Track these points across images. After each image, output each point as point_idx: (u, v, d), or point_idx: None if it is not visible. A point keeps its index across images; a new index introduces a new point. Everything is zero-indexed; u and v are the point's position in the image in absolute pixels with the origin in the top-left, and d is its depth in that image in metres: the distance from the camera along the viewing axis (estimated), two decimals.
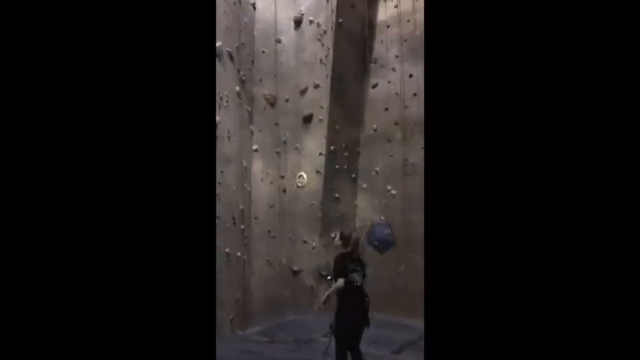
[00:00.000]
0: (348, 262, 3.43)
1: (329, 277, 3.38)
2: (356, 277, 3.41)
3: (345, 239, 3.60)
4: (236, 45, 7.06)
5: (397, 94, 7.33)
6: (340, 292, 3.39)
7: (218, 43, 6.36)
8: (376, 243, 6.24)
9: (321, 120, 7.66)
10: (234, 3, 7.12)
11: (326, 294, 3.61)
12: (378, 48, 7.90)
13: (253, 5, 7.80)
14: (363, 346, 3.58)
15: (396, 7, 7.61)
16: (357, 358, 3.41)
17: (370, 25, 7.83)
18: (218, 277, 5.83)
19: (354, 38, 7.76)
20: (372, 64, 7.89)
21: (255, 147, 7.67)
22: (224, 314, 5.95)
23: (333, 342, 3.47)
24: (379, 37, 7.90)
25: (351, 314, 3.37)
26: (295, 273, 7.46)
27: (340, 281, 3.37)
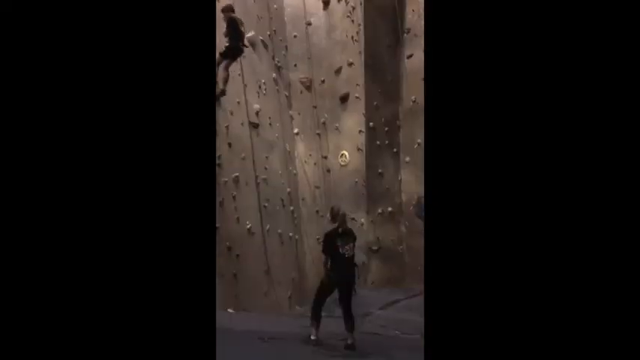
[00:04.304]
0: (337, 236, 3.68)
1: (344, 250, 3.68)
2: (347, 249, 3.65)
3: (333, 215, 3.83)
4: (268, 33, 7.18)
5: None
6: (333, 262, 3.65)
7: (251, 33, 6.52)
8: (423, 215, 6.23)
9: (357, 98, 7.64)
10: None
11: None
12: (410, 17, 7.69)
13: None
14: None
15: None
16: (348, 317, 3.67)
17: None
18: (273, 258, 6.12)
19: (384, 10, 7.61)
20: (405, 35, 7.71)
21: (296, 130, 7.82)
22: (282, 293, 6.25)
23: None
24: (410, 6, 7.68)
25: (341, 280, 3.67)
26: None
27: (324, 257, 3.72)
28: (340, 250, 3.64)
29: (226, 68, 5.35)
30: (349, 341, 3.62)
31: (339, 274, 3.66)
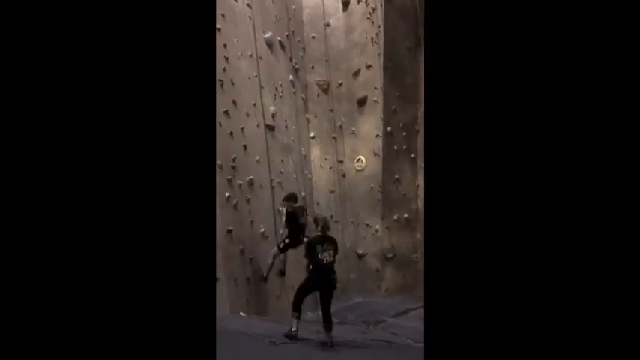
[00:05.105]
0: (317, 243, 3.90)
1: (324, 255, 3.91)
2: (327, 255, 3.87)
3: (316, 222, 4.09)
4: (286, 33, 7.12)
5: None
6: (313, 268, 3.88)
7: (269, 34, 6.47)
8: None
9: (375, 101, 7.52)
10: None
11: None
12: None
13: None
14: None
15: None
16: (327, 319, 3.88)
17: None
18: (286, 261, 6.05)
19: (405, 12, 7.46)
20: None
21: (312, 134, 7.74)
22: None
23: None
24: None
25: (320, 284, 3.92)
26: (360, 256, 7.50)
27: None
28: (320, 256, 3.83)
29: (276, 257, 5.23)
30: (325, 339, 3.93)
31: (318, 278, 3.90)
